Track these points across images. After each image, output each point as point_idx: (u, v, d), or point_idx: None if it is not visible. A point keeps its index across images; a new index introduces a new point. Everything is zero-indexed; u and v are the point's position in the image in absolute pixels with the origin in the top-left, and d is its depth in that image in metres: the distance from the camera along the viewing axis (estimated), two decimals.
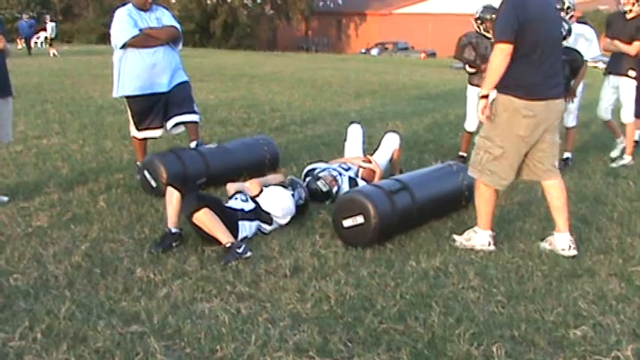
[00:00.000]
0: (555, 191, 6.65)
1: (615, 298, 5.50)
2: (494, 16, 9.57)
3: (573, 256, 6.43)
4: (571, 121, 10.02)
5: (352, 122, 9.58)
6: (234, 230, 6.45)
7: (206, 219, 6.29)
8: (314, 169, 8.37)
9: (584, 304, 5.36)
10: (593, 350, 4.60)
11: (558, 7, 9.90)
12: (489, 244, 6.51)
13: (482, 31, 9.81)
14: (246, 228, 6.61)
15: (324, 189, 7.96)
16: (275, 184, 7.31)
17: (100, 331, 4.70)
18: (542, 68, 6.26)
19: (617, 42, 10.07)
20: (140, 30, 8.60)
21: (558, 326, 4.96)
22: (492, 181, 6.43)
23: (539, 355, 4.52)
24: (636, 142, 11.43)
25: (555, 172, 6.63)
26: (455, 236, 6.68)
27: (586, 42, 9.70)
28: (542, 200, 7.31)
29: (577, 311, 5.23)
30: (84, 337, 4.63)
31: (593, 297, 5.52)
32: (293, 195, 7.25)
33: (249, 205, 6.84)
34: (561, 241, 6.57)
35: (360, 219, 6.50)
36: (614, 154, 10.66)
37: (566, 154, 10.10)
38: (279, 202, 7.03)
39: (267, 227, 6.93)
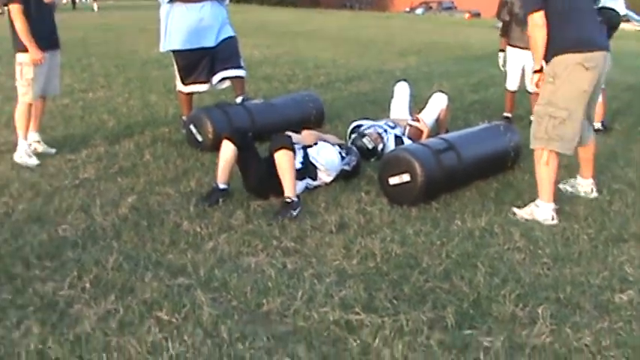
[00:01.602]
0: (592, 144, 6.87)
1: None
2: None
3: (595, 198, 6.85)
4: None
5: (399, 80, 9.53)
6: None
7: (286, 161, 6.26)
8: (360, 126, 8.34)
9: (631, 268, 5.31)
10: (638, 315, 4.56)
11: None
12: (552, 218, 6.33)
13: None
14: (297, 186, 6.60)
15: (370, 146, 7.93)
16: (330, 143, 7.28)
17: (147, 283, 4.75)
18: (586, 22, 6.33)
19: None
20: None
21: (604, 290, 4.92)
22: (562, 146, 6.32)
23: (585, 319, 4.48)
24: None
25: (592, 129, 6.88)
26: (515, 209, 6.51)
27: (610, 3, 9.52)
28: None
29: (623, 276, 5.18)
30: (131, 288, 4.67)
31: (639, 262, 5.47)
32: (343, 157, 7.22)
33: (299, 160, 6.82)
34: (586, 185, 6.98)
35: (406, 177, 6.48)
36: None
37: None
38: (326, 154, 7.02)
39: (312, 183, 6.93)
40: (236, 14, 9.03)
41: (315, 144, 7.09)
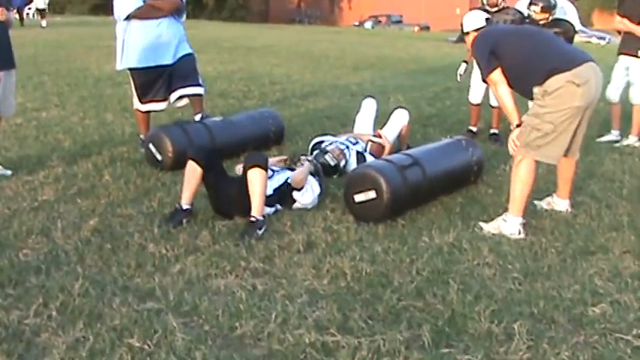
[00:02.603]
0: (572, 164, 6.89)
1: (631, 276, 5.45)
2: None
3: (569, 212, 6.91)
4: None
5: (367, 96, 9.55)
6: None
7: (259, 180, 6.15)
8: (321, 142, 8.30)
9: (600, 281, 5.31)
10: (613, 328, 4.54)
11: None
12: (519, 232, 6.32)
13: (486, 6, 9.73)
14: (265, 210, 6.48)
15: (332, 163, 7.89)
16: (306, 173, 7.12)
17: (115, 309, 4.63)
18: (558, 45, 6.57)
19: (626, 21, 9.91)
20: (144, 1, 8.51)
21: (576, 304, 4.90)
22: (541, 154, 6.32)
23: (560, 333, 4.46)
24: None
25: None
26: (482, 224, 6.49)
27: (564, 16, 9.61)
28: (550, 175, 7.31)
29: (594, 289, 5.18)
30: (99, 315, 4.56)
31: (608, 274, 5.46)
32: (321, 186, 7.18)
33: (273, 186, 6.79)
34: (561, 205, 7.01)
35: (372, 194, 6.44)
36: (604, 138, 10.42)
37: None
38: (308, 197, 6.96)
39: (281, 208, 6.86)
40: (187, 30, 8.96)
41: (302, 187, 7.00)
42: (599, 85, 6.40)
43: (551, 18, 9.18)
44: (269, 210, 6.58)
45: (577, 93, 6.13)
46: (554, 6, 9.18)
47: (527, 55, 6.34)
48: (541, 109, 6.22)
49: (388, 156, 7.68)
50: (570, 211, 6.91)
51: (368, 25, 61.81)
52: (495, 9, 9.62)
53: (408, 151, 7.44)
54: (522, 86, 6.42)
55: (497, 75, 6.31)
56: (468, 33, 6.90)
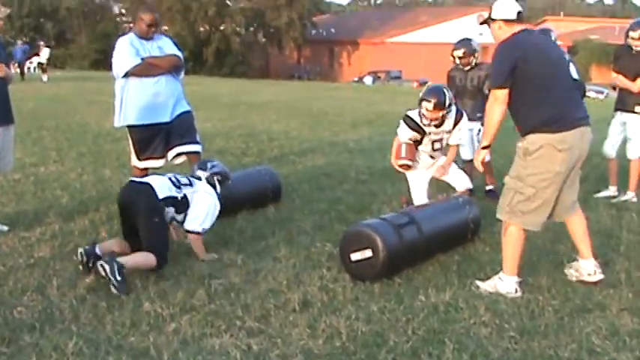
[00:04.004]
0: (579, 220, 6.68)
1: (628, 334, 5.44)
2: (465, 50, 9.72)
3: (599, 281, 6.51)
4: None
5: None
6: None
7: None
8: None
9: (598, 340, 5.30)
10: None
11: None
12: (516, 291, 6.27)
13: (460, 64, 9.85)
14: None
15: None
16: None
17: None
18: (564, 98, 6.29)
19: (622, 78, 9.97)
20: (142, 59, 8.56)
21: None
22: (524, 222, 6.27)
23: None
24: None
25: (577, 204, 6.67)
26: (478, 282, 6.46)
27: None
28: (547, 232, 7.30)
29: (591, 347, 5.17)
30: None
31: (606, 332, 5.45)
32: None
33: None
34: (587, 267, 6.60)
35: (368, 252, 6.43)
36: (601, 194, 10.39)
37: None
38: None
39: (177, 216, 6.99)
40: (186, 86, 9.01)
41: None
42: (585, 149, 6.34)
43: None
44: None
45: (557, 157, 6.09)
46: (568, 61, 9.16)
47: (539, 93, 6.17)
48: (523, 170, 6.18)
49: (384, 215, 7.65)
50: (598, 274, 6.61)
51: (368, 80, 62.11)
52: (468, 67, 9.76)
53: (404, 210, 7.44)
54: (517, 117, 6.30)
55: (502, 94, 6.14)
56: (494, 20, 6.52)
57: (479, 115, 9.72)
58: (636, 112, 9.96)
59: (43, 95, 27.31)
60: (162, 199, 6.73)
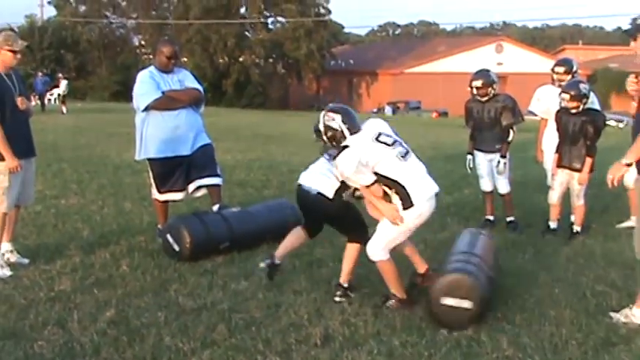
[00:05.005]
0: None
1: None
2: (483, 81, 9.66)
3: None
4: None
5: None
6: None
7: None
8: None
9: None
10: None
11: (562, 70, 9.92)
12: None
13: (477, 95, 9.81)
14: None
15: None
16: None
17: None
18: None
19: None
20: (162, 92, 8.61)
21: None
22: None
23: None
24: None
25: None
26: (612, 314, 6.37)
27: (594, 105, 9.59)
28: (570, 263, 7.24)
29: None
30: None
31: None
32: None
33: None
34: None
35: (466, 304, 6.16)
36: (623, 225, 10.13)
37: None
38: None
39: None
40: (206, 118, 9.06)
41: None
42: None
43: (581, 107, 9.12)
44: None
45: None
46: (586, 95, 9.13)
47: None
48: None
49: (476, 259, 6.95)
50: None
51: (388, 111, 62.11)
52: (486, 98, 9.71)
53: (472, 251, 7.08)
54: None
55: None
56: None
57: (497, 146, 9.69)
58: None
59: (63, 127, 27.47)
60: (335, 195, 6.87)
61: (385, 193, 6.51)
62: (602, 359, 5.55)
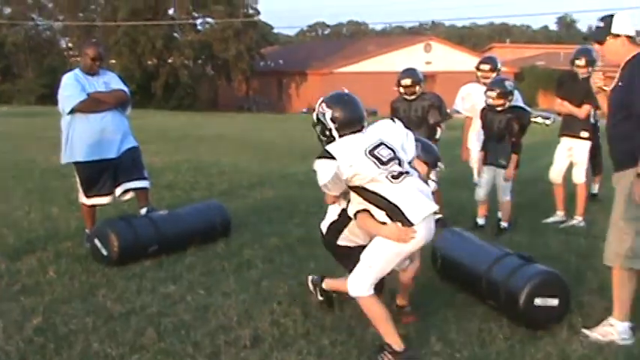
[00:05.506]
0: None
1: (579, 359, 5.49)
2: (412, 79, 9.75)
3: None
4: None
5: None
6: None
7: None
8: None
9: None
10: None
11: (488, 67, 10.12)
12: (630, 337, 6.05)
13: (405, 94, 9.88)
14: None
15: None
16: None
17: None
18: None
19: (567, 104, 10.12)
20: (88, 94, 8.53)
21: None
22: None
23: None
24: (594, 195, 11.77)
25: None
26: (586, 331, 6.14)
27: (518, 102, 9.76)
28: None
29: None
30: None
31: (556, 358, 5.54)
32: None
33: None
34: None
35: (553, 302, 6.21)
36: (549, 220, 10.45)
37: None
38: None
39: None
40: (134, 120, 9.00)
41: None
42: None
43: (507, 105, 9.26)
44: None
45: None
46: (511, 92, 9.27)
47: None
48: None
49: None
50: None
51: None
52: (413, 97, 9.78)
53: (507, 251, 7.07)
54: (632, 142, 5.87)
55: None
56: (618, 36, 6.01)
57: None
58: (582, 138, 10.12)
59: None
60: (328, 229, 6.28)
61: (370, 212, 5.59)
62: (528, 352, 5.64)
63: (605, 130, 6.28)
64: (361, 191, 5.55)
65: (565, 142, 10.38)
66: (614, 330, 6.02)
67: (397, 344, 5.45)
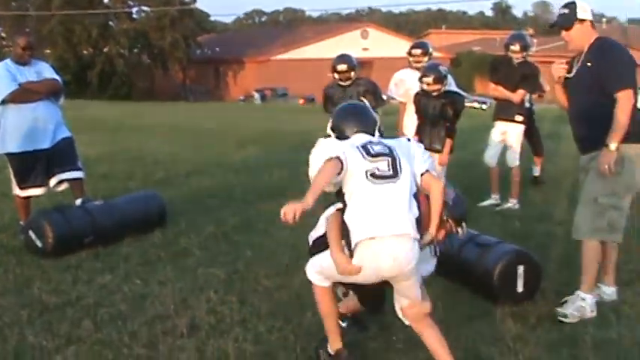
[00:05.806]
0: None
1: (512, 339, 5.61)
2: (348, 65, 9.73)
3: None
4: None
5: None
6: None
7: None
8: None
9: (484, 345, 5.44)
10: None
11: (420, 52, 10.17)
12: (592, 311, 6.27)
13: (340, 79, 9.87)
14: None
15: None
16: None
17: None
18: None
19: (501, 89, 10.26)
20: (19, 84, 8.42)
21: None
22: (619, 236, 6.38)
23: None
24: (535, 177, 12.10)
25: None
26: (560, 310, 6.21)
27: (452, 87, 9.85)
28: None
29: (477, 354, 5.33)
30: None
31: (490, 338, 5.62)
32: None
33: None
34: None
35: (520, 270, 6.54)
36: (485, 203, 10.62)
37: None
38: None
39: None
40: (69, 110, 8.91)
41: None
42: None
43: (443, 89, 9.33)
44: None
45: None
46: (446, 76, 9.35)
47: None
48: (617, 184, 6.14)
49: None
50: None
51: (257, 98, 62.02)
52: (348, 82, 9.78)
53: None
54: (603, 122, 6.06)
55: (632, 95, 6.02)
56: (583, 20, 6.23)
57: None
58: (516, 121, 10.26)
59: None
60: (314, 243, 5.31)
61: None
62: (464, 332, 5.71)
63: (571, 114, 6.52)
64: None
65: (499, 125, 10.51)
66: (585, 304, 6.22)
67: (334, 345, 5.11)
